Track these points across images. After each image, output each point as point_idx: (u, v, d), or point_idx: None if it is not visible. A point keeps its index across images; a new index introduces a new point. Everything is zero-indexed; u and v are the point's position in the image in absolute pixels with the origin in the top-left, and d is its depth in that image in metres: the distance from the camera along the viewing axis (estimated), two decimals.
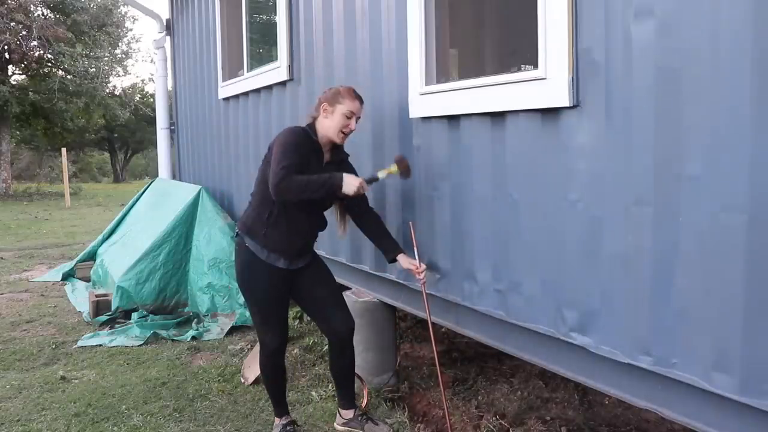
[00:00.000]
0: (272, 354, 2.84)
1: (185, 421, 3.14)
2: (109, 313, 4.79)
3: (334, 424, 3.01)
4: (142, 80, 35.70)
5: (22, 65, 20.37)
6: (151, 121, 14.69)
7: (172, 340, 4.39)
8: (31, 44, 18.60)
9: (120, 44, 23.65)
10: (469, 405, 3.27)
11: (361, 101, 2.77)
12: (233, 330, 4.52)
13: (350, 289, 3.68)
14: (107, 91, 22.81)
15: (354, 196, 2.64)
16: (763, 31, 1.56)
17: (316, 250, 2.97)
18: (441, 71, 2.90)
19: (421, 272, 2.78)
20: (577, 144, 2.10)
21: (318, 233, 2.89)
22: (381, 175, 2.77)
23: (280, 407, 2.95)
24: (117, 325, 4.68)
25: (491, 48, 4.58)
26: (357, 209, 2.93)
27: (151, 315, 4.76)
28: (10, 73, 20.64)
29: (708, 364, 1.76)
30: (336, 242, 3.68)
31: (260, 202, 2.72)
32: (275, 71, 4.45)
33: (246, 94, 5.11)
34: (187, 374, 3.76)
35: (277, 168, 2.54)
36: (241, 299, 4.62)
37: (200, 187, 5.45)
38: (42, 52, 19.43)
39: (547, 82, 2.16)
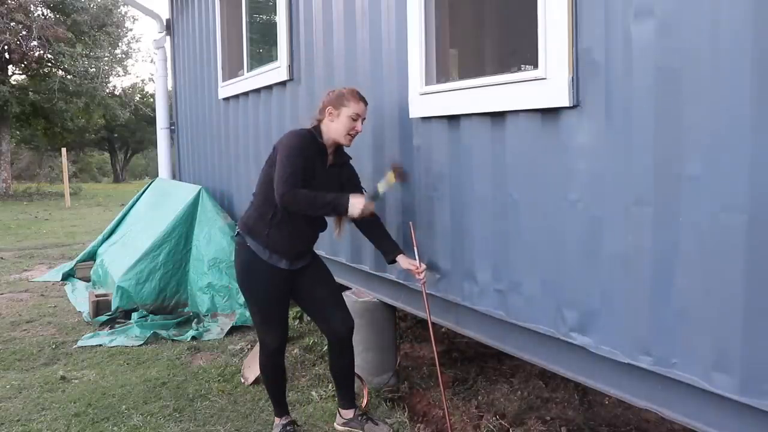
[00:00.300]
0: (272, 354, 2.84)
1: (185, 421, 3.14)
2: (109, 313, 4.79)
3: (334, 424, 3.01)
4: (142, 80, 35.75)
5: (22, 65, 20.37)
6: (151, 121, 14.69)
7: (172, 340, 4.39)
8: (31, 44, 18.61)
9: (120, 44, 23.66)
10: (469, 405, 3.27)
11: (366, 102, 2.77)
12: (233, 330, 4.52)
13: (350, 289, 3.68)
14: (107, 91, 22.81)
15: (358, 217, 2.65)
16: (763, 31, 1.56)
17: (315, 251, 2.97)
18: (441, 71, 2.90)
19: (421, 272, 2.78)
20: (577, 144, 2.10)
21: (318, 234, 2.89)
22: (381, 189, 2.81)
23: (280, 407, 2.95)
24: (117, 325, 4.68)
25: (491, 48, 4.58)
26: None
27: (151, 315, 4.76)
28: (10, 73, 20.65)
29: (708, 364, 1.76)
30: (336, 242, 3.68)
31: (262, 202, 2.72)
32: (275, 71, 4.45)
33: (246, 94, 5.11)
34: (187, 374, 3.76)
35: (281, 177, 2.56)
36: (241, 299, 4.62)
37: (200, 187, 5.45)
38: (42, 52, 19.43)
39: (547, 82, 2.16)
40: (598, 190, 2.04)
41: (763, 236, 1.60)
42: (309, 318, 4.40)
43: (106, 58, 21.71)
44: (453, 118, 2.71)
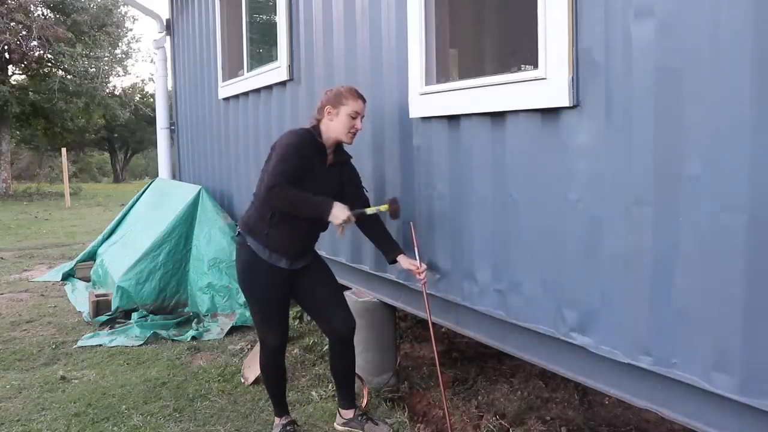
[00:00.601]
0: (273, 354, 2.84)
1: (185, 421, 3.14)
2: (109, 313, 4.79)
3: (334, 424, 3.01)
4: (142, 80, 35.74)
5: (22, 65, 20.37)
6: (151, 121, 14.69)
7: (172, 340, 4.39)
8: (31, 44, 18.60)
9: (120, 44, 23.66)
10: (469, 405, 3.27)
11: (364, 100, 2.76)
12: (233, 330, 4.52)
13: (350, 289, 3.68)
14: (107, 91, 22.81)
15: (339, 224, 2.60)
16: (763, 31, 1.56)
17: (316, 250, 2.97)
18: (441, 71, 2.90)
19: (422, 273, 2.78)
20: (577, 144, 2.10)
21: (319, 234, 2.89)
22: (369, 211, 2.79)
23: (280, 407, 2.95)
24: (117, 325, 4.68)
25: (491, 48, 4.58)
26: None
27: (151, 315, 4.76)
28: (10, 73, 20.64)
29: (708, 364, 1.76)
30: (336, 242, 3.68)
31: (263, 202, 2.71)
32: (275, 71, 4.45)
33: (246, 94, 5.11)
34: (187, 374, 3.76)
35: (273, 171, 2.55)
36: (241, 299, 4.62)
37: (200, 187, 5.45)
38: (42, 52, 19.43)
39: (547, 82, 2.16)
40: (598, 190, 2.04)
41: (763, 236, 1.60)
42: (309, 318, 4.40)
43: (106, 58, 21.71)
44: (453, 118, 2.70)
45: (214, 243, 5.02)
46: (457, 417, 3.12)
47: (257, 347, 3.19)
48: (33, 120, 22.84)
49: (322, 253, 3.49)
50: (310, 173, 2.65)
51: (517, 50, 4.41)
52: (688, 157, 1.75)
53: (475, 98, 2.51)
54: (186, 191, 5.59)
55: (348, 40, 3.49)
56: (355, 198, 2.89)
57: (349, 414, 2.97)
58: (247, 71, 5.13)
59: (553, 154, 2.20)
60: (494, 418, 3.06)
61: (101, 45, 21.38)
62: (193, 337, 4.39)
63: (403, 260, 2.83)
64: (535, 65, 2.22)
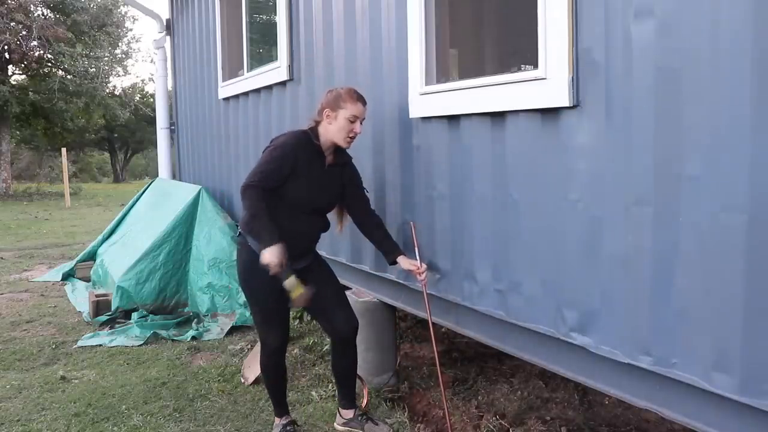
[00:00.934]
0: (273, 354, 2.84)
1: (185, 421, 3.14)
2: (109, 313, 4.79)
3: (334, 424, 3.01)
4: (142, 80, 35.74)
5: (22, 65, 20.37)
6: (151, 121, 14.69)
7: (172, 340, 4.39)
8: (31, 44, 18.60)
9: (120, 44, 23.66)
10: (469, 405, 3.27)
11: (364, 102, 2.74)
12: (233, 330, 4.52)
13: (350, 289, 3.68)
14: (107, 91, 22.81)
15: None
16: (763, 31, 1.56)
17: (317, 251, 2.97)
18: (441, 71, 2.90)
19: (422, 273, 2.78)
20: (577, 144, 2.10)
21: (320, 234, 2.88)
22: (286, 283, 2.53)
23: (280, 407, 2.95)
24: (117, 325, 4.68)
25: (491, 48, 4.58)
26: (359, 213, 2.92)
27: (151, 315, 4.76)
28: (10, 73, 20.64)
29: (708, 364, 1.76)
30: (336, 242, 3.68)
31: None
32: (275, 71, 4.45)
33: (246, 94, 5.11)
34: (187, 374, 3.76)
35: (254, 170, 2.58)
36: (241, 299, 4.62)
37: (200, 187, 5.45)
38: (42, 52, 19.43)
39: (547, 82, 2.16)
40: (598, 190, 2.04)
41: (763, 236, 1.60)
42: (309, 318, 4.40)
43: (106, 58, 21.70)
44: (453, 118, 2.70)
45: (214, 243, 5.02)
46: (457, 417, 3.12)
47: (257, 347, 3.19)
48: (33, 120, 22.85)
49: (322, 253, 3.49)
50: (307, 175, 2.64)
51: (517, 50, 4.41)
52: (688, 157, 1.75)
53: (475, 98, 2.51)
54: (186, 191, 5.59)
55: (348, 40, 3.49)
56: (356, 198, 2.89)
57: (349, 414, 2.97)
58: (247, 71, 5.13)
59: (553, 154, 2.20)
60: (494, 418, 3.06)
61: (101, 45, 21.39)
62: (193, 337, 4.39)
63: (403, 261, 2.83)
64: (535, 65, 2.22)
